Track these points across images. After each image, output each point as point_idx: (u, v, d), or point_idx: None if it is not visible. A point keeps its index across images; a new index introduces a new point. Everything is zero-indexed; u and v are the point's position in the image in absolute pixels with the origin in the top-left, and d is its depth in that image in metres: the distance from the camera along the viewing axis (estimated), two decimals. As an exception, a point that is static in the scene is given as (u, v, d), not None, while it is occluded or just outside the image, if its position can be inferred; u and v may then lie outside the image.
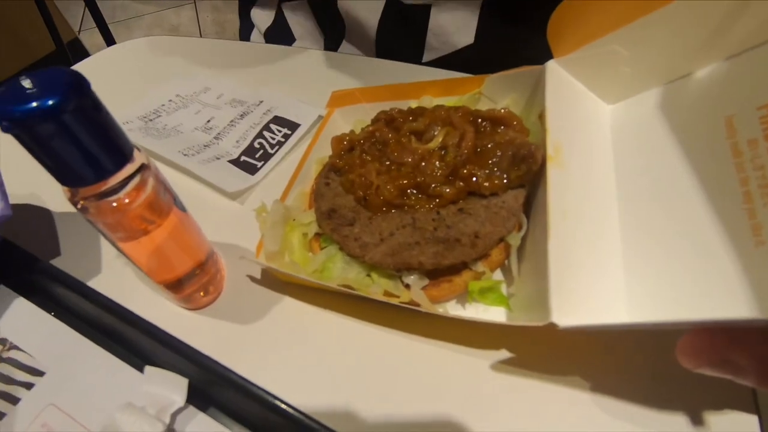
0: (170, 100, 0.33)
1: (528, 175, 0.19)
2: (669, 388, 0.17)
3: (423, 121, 0.21)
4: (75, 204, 0.16)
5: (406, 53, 0.35)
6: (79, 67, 0.40)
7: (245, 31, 0.47)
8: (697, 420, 0.16)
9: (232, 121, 0.30)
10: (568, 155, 0.18)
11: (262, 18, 0.43)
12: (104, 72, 0.39)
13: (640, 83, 0.20)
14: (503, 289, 0.20)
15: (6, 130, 0.13)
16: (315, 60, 0.35)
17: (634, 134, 0.19)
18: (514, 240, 0.19)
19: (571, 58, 0.20)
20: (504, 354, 0.18)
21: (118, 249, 0.17)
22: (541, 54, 0.21)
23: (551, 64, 0.20)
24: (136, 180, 0.16)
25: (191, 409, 0.17)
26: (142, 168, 0.16)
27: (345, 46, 0.38)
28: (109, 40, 1.21)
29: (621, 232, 0.17)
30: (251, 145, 0.28)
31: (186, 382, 0.16)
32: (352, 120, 0.27)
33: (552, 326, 0.15)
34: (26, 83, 0.14)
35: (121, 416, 0.15)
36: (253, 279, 0.22)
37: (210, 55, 0.38)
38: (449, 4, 0.32)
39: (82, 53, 2.11)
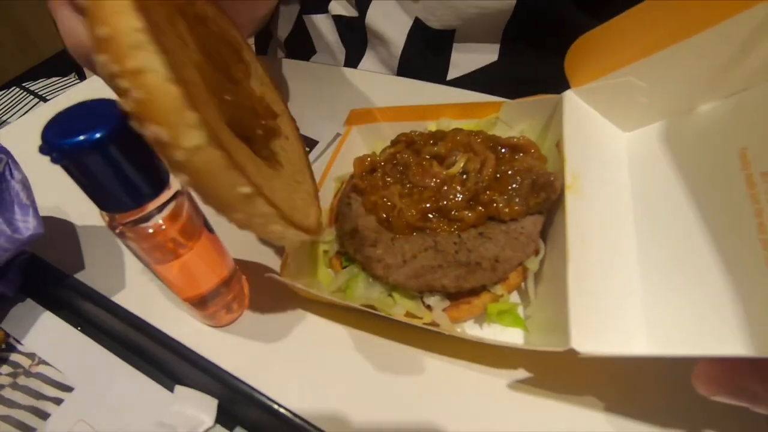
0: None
1: (547, 202, 0.19)
2: (684, 417, 0.17)
3: (444, 145, 0.22)
4: (113, 229, 0.16)
5: (430, 70, 0.35)
6: (84, 85, 0.41)
7: (261, 41, 0.47)
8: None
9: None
10: (585, 183, 0.19)
11: (282, 26, 0.43)
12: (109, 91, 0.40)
13: (657, 113, 0.20)
14: (520, 311, 0.20)
15: (55, 162, 0.14)
16: (335, 76, 0.36)
17: (651, 163, 0.20)
18: (533, 264, 0.20)
19: (587, 88, 0.21)
20: (521, 374, 0.19)
21: (150, 269, 0.18)
22: (563, 75, 0.22)
23: (568, 94, 0.21)
24: (172, 205, 0.17)
25: (219, 428, 0.17)
26: (178, 194, 0.17)
27: (366, 61, 0.39)
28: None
29: (639, 261, 0.18)
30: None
31: (215, 403, 0.17)
32: (371, 138, 0.27)
33: (571, 352, 0.15)
34: (74, 115, 0.14)
35: (155, 435, 0.16)
36: (275, 297, 0.22)
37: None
38: (473, 30, 0.33)
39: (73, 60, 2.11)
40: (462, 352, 0.19)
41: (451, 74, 0.36)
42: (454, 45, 0.35)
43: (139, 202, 0.16)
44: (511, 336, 0.20)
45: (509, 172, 0.20)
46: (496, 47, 0.34)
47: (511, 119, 0.24)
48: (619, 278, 0.18)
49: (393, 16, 0.36)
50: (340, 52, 0.40)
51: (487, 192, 0.20)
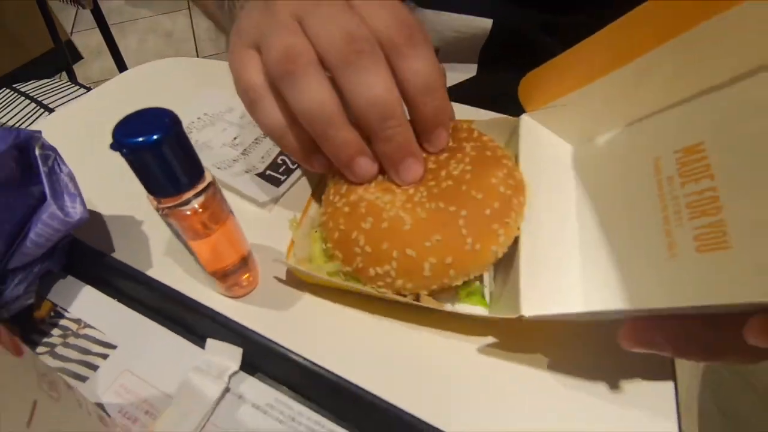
0: (198, 118, 0.37)
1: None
2: (607, 368, 0.22)
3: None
4: (158, 210, 0.20)
5: None
6: (108, 85, 0.44)
7: None
8: (623, 384, 0.21)
9: (256, 139, 0.35)
10: (537, 189, 0.24)
11: None
12: (132, 91, 0.44)
13: (598, 129, 0.25)
14: (486, 292, 0.25)
15: (124, 156, 0.18)
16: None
17: (590, 170, 0.25)
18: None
19: (538, 112, 0.26)
20: (489, 340, 0.23)
21: (186, 245, 0.22)
22: None
23: (524, 117, 0.26)
24: (205, 194, 0.21)
25: (242, 373, 0.21)
26: (210, 185, 0.21)
27: None
28: (110, 42, 1.23)
29: (579, 246, 0.23)
30: (275, 160, 0.33)
31: (240, 351, 0.21)
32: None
33: (522, 318, 0.20)
34: (137, 119, 0.18)
35: (193, 375, 0.20)
36: (280, 279, 0.26)
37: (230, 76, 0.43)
38: (453, 51, 0.38)
39: (75, 54, 2.11)
40: (439, 324, 0.24)
41: None
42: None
43: (180, 190, 0.20)
44: (479, 312, 0.24)
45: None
46: (474, 66, 0.39)
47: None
48: (561, 263, 0.22)
49: None
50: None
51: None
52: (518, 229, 0.22)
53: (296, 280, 0.26)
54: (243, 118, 0.38)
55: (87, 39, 2.22)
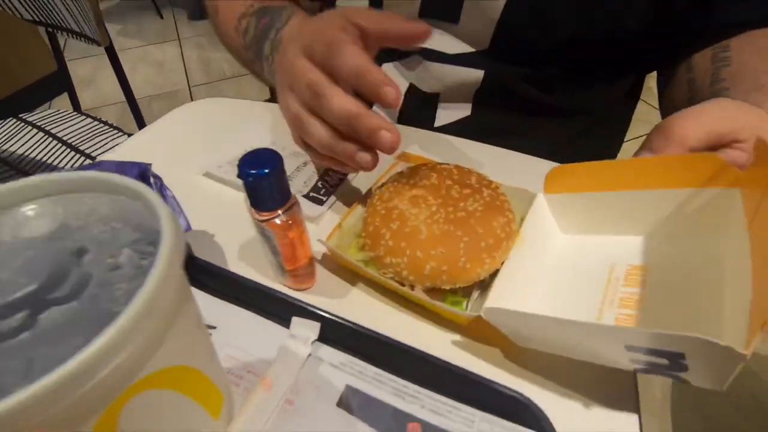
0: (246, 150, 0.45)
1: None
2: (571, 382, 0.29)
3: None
4: (259, 221, 0.28)
5: (421, 120, 0.49)
6: (158, 124, 0.52)
7: None
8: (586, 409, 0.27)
9: (297, 167, 0.43)
10: (526, 244, 0.31)
11: None
12: (180, 128, 0.51)
13: (587, 228, 0.33)
14: (466, 304, 0.31)
15: (246, 183, 0.26)
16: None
17: (571, 251, 0.33)
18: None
19: (551, 196, 0.33)
20: (462, 332, 0.31)
21: (272, 249, 0.29)
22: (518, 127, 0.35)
23: (539, 195, 0.33)
24: (292, 209, 0.28)
25: (318, 342, 0.29)
26: (295, 202, 0.29)
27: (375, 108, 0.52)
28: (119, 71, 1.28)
29: (542, 293, 0.31)
30: (316, 184, 0.41)
31: (318, 325, 0.28)
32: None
33: (481, 318, 0.27)
34: (253, 156, 0.26)
35: (288, 341, 0.27)
36: (329, 275, 0.34)
37: (269, 113, 0.51)
38: (452, 93, 0.47)
39: (67, 82, 2.14)
40: (424, 314, 0.32)
41: (437, 123, 0.50)
42: (439, 104, 0.49)
43: (277, 206, 0.28)
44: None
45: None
46: (469, 106, 0.48)
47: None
48: (525, 297, 0.30)
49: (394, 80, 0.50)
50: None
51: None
52: (501, 264, 0.30)
53: (340, 273, 0.34)
54: (284, 150, 0.45)
55: (75, 68, 2.26)
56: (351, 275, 0.34)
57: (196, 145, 0.48)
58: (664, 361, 0.23)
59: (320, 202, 0.39)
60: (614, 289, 0.29)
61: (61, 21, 1.05)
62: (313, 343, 0.28)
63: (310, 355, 0.28)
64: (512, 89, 0.46)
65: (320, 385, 0.27)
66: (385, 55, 0.49)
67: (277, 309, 0.30)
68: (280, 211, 0.28)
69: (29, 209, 0.18)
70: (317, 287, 0.34)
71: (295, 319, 0.29)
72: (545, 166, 0.35)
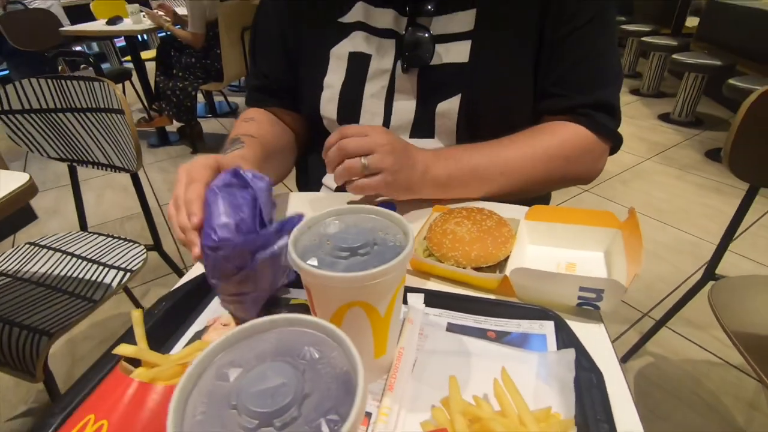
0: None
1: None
2: None
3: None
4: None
5: None
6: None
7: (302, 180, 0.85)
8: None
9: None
10: (518, 244, 0.57)
11: (330, 182, 0.80)
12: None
13: (542, 242, 0.61)
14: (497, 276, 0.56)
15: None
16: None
17: (535, 253, 0.60)
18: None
19: (528, 222, 0.60)
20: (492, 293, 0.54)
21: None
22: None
23: (522, 221, 0.59)
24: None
25: (425, 306, 0.49)
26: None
27: None
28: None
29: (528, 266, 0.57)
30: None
31: (423, 295, 0.49)
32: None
33: (506, 279, 0.51)
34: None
35: (412, 305, 0.47)
36: (412, 276, 0.55)
37: (316, 201, 0.73)
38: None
39: (30, 215, 2.18)
40: (469, 286, 0.54)
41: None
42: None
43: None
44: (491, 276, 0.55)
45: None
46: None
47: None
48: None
49: None
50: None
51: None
52: (510, 252, 0.54)
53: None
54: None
55: (39, 200, 2.32)
56: (421, 273, 0.55)
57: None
58: (593, 296, 0.47)
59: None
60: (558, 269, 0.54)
61: (88, 156, 1.23)
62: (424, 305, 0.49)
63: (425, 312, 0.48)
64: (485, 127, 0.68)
65: (433, 323, 0.47)
66: None
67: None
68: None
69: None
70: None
71: (410, 294, 0.49)
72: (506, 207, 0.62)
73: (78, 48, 2.69)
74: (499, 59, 0.65)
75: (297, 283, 0.53)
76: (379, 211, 0.40)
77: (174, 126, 3.26)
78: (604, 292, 0.46)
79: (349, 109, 0.73)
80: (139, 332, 0.37)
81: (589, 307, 0.49)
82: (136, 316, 0.38)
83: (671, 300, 1.66)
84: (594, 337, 0.46)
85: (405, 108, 0.71)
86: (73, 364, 1.49)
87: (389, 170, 0.58)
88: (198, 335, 0.46)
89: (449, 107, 0.68)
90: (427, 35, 0.66)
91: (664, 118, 3.32)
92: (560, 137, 0.66)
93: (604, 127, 0.67)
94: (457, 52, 0.67)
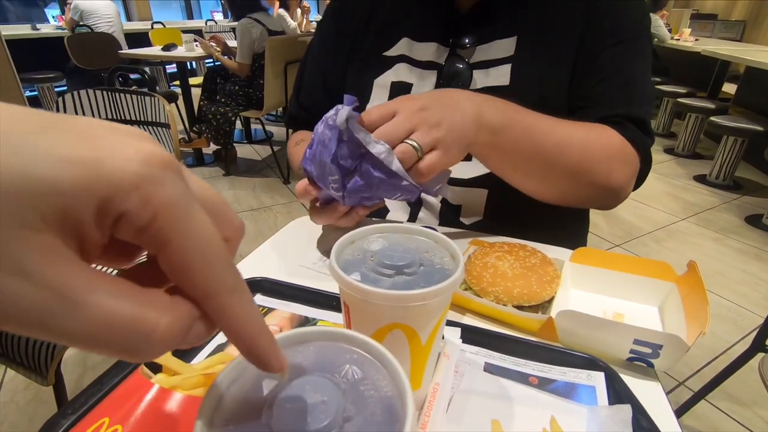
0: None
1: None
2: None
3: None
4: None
5: (452, 219, 0.72)
6: (276, 237, 0.71)
7: None
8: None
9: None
10: (562, 286, 0.54)
11: None
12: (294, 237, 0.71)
13: (585, 287, 0.57)
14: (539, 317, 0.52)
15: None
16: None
17: (577, 300, 0.56)
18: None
19: (573, 264, 0.57)
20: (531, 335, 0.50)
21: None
22: (537, 232, 0.59)
23: (566, 262, 0.56)
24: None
25: (461, 342, 0.46)
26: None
27: (421, 213, 0.75)
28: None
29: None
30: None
31: (460, 330, 0.46)
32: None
33: (550, 321, 0.47)
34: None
35: (448, 339, 0.44)
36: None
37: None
38: (469, 204, 0.72)
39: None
40: (506, 325, 0.51)
41: (463, 222, 0.73)
42: (461, 211, 0.73)
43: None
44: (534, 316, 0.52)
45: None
46: (482, 211, 0.72)
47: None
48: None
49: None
50: (406, 210, 0.77)
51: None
52: (554, 293, 0.51)
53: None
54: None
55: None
56: (456, 307, 0.52)
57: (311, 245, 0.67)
58: (648, 351, 0.43)
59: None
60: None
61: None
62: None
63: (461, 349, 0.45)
64: (508, 199, 0.71)
65: (470, 361, 0.43)
66: None
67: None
68: None
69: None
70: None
71: (446, 328, 0.46)
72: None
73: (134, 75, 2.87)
74: (538, 79, 0.67)
75: (322, 303, 0.51)
76: (424, 231, 0.38)
77: (211, 149, 3.38)
78: (663, 349, 0.42)
79: None
80: (165, 336, 0.35)
81: (641, 363, 0.44)
82: (164, 318, 0.36)
83: (710, 369, 1.54)
84: (649, 396, 0.41)
85: None
86: (84, 372, 1.47)
87: (442, 139, 0.50)
88: (221, 348, 0.44)
89: None
90: (463, 66, 0.69)
91: (700, 179, 3.24)
92: (598, 131, 0.62)
93: (636, 135, 0.63)
94: (497, 76, 0.68)
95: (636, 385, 0.42)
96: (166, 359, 0.35)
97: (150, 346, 0.15)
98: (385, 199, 0.56)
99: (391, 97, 0.74)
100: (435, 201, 0.74)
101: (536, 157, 0.59)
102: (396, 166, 0.47)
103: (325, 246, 0.65)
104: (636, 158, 0.65)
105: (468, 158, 0.71)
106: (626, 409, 0.36)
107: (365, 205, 0.56)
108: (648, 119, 0.66)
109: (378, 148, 0.47)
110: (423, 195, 0.74)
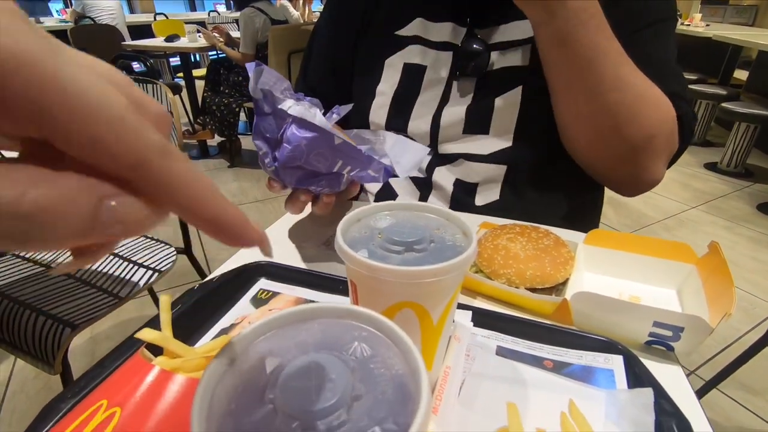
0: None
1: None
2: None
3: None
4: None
5: (466, 202, 0.70)
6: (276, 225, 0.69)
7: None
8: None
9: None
10: (576, 268, 0.52)
11: (375, 186, 0.77)
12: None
13: (600, 270, 0.54)
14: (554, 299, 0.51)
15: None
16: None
17: (592, 281, 0.54)
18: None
19: (586, 246, 0.54)
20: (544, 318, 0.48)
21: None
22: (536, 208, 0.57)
23: (580, 244, 0.54)
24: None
25: (472, 325, 0.44)
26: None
27: (430, 198, 0.73)
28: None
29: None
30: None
31: (470, 313, 0.44)
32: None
33: (564, 303, 0.45)
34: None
35: (459, 322, 0.42)
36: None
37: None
38: (486, 183, 0.70)
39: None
40: (517, 308, 0.49)
41: (476, 203, 0.71)
42: (477, 189, 0.71)
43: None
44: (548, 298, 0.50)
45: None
46: (498, 190, 0.70)
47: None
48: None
49: (444, 176, 0.72)
50: (415, 195, 0.75)
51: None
52: (569, 275, 0.49)
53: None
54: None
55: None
56: (466, 290, 0.51)
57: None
58: (669, 333, 0.41)
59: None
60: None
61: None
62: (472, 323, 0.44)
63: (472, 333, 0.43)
64: (525, 177, 0.69)
65: (481, 344, 0.42)
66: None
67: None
68: None
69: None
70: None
71: (457, 311, 0.44)
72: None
73: (135, 64, 2.86)
74: None
75: (328, 286, 0.49)
76: (434, 208, 0.36)
77: (215, 140, 3.36)
78: (684, 331, 0.40)
79: (399, 114, 0.72)
80: (165, 318, 0.34)
81: (660, 346, 0.42)
82: (164, 300, 0.35)
83: (721, 358, 1.51)
84: (669, 380, 0.39)
85: (456, 111, 0.70)
86: (92, 362, 1.47)
87: None
88: (224, 332, 0.43)
89: (510, 100, 0.66)
90: (481, 47, 0.66)
91: (711, 167, 3.19)
92: (661, 95, 0.59)
93: (675, 96, 0.60)
94: (515, 57, 0.65)
95: (655, 368, 0.40)
96: (168, 341, 0.33)
97: (29, 225, 0.12)
98: (341, 182, 0.53)
99: (402, 77, 0.72)
100: (447, 184, 0.71)
101: (591, 75, 0.55)
102: (319, 119, 0.44)
103: (330, 232, 0.63)
104: (677, 141, 0.64)
105: (486, 131, 0.68)
106: (647, 393, 0.34)
107: (323, 191, 0.53)
108: (686, 96, 0.64)
109: (296, 108, 0.44)
110: (434, 179, 0.72)
